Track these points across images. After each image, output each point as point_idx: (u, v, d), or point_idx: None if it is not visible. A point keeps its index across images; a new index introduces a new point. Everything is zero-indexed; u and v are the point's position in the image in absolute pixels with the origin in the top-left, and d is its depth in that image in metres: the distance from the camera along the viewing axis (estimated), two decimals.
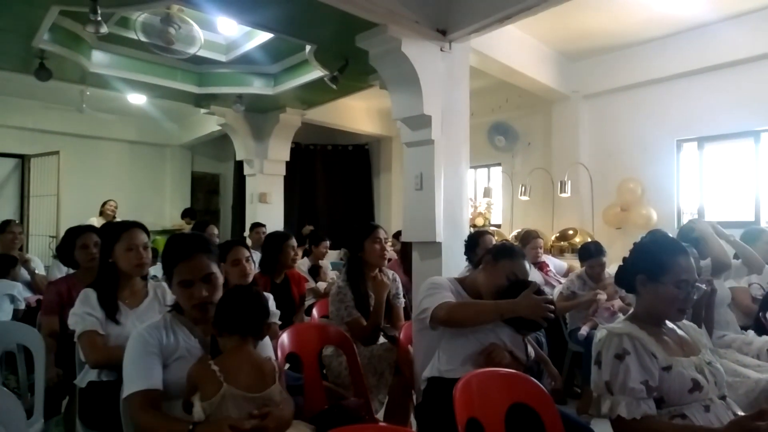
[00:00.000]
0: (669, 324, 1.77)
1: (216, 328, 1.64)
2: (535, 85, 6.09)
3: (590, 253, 4.04)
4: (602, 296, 3.84)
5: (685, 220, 5.57)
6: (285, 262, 3.47)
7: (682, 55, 5.49)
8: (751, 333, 3.38)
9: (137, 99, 6.74)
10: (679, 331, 1.78)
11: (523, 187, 6.62)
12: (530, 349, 2.21)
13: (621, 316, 2.07)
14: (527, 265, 2.27)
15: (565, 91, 6.36)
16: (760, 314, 2.95)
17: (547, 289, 4.49)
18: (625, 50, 5.90)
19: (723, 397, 1.70)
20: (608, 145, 6.31)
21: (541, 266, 4.73)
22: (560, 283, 4.42)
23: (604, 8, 5.01)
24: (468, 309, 2.09)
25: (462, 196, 4.30)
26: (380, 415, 2.65)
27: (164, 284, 2.25)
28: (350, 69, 4.73)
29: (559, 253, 5.83)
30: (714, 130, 5.56)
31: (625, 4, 4.93)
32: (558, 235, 6.05)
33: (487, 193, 7.11)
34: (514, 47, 5.52)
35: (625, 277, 1.83)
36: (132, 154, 9.32)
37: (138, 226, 2.33)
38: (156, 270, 3.85)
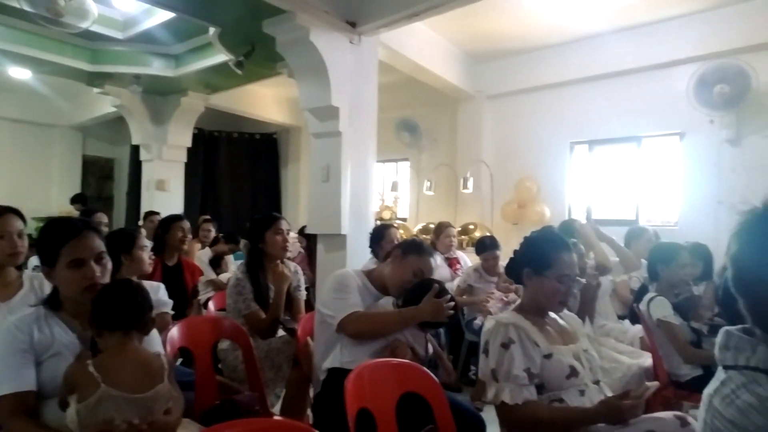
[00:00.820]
0: (551, 314, 1.88)
1: (94, 327, 1.52)
2: (443, 84, 6.25)
3: (485, 246, 4.21)
4: (493, 300, 4.01)
5: (575, 217, 5.94)
6: (173, 243, 3.39)
7: (577, 63, 5.84)
8: (626, 322, 3.69)
9: (21, 74, 6.18)
10: (560, 321, 1.89)
11: (429, 183, 6.78)
12: (429, 346, 2.26)
13: None
14: (434, 262, 2.33)
15: (471, 90, 6.58)
16: (635, 305, 3.21)
17: (451, 285, 4.63)
18: (527, 54, 6.19)
19: (597, 382, 1.83)
20: (509, 145, 6.60)
21: (452, 263, 4.85)
22: None
23: (508, 13, 5.22)
24: (374, 322, 2.11)
25: (368, 190, 4.32)
26: (277, 409, 2.61)
27: (42, 275, 2.07)
28: (257, 55, 4.61)
29: (461, 247, 6.03)
30: (603, 134, 5.97)
31: (528, 10, 5.16)
32: (460, 229, 6.24)
33: (394, 187, 7.21)
34: (424, 45, 5.63)
35: (514, 269, 1.92)
36: (14, 133, 8.54)
37: (11, 211, 2.13)
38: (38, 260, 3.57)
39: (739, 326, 0.93)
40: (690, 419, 1.59)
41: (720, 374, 0.91)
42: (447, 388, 3.68)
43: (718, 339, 0.95)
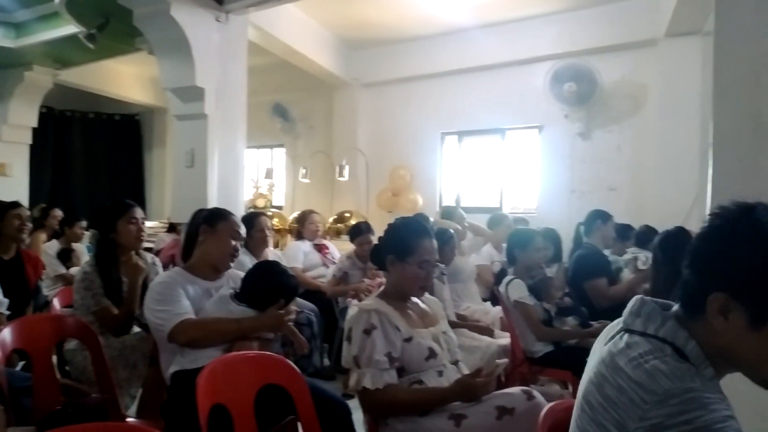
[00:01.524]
0: (414, 298, 1.92)
1: None
2: (318, 69, 6.18)
3: (360, 231, 4.23)
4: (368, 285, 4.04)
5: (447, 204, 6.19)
6: (9, 233, 3.03)
7: (447, 55, 6.05)
8: (488, 304, 3.90)
9: None
10: (422, 305, 1.93)
11: (305, 170, 6.69)
12: None
13: None
14: (238, 220, 2.31)
15: (346, 77, 6.57)
16: (495, 287, 3.40)
17: (323, 270, 4.61)
18: (401, 44, 6.30)
19: (455, 362, 1.90)
20: (383, 133, 6.70)
21: (320, 248, 4.82)
22: (335, 264, 4.56)
23: (380, 1, 5.26)
24: (209, 331, 1.96)
25: (238, 176, 4.15)
26: (133, 411, 2.43)
27: None
28: (112, 28, 4.22)
29: (336, 235, 6.04)
30: (471, 125, 6.25)
31: (400, 0, 5.24)
32: (336, 217, 6.25)
33: (268, 174, 7.03)
34: (297, 28, 5.51)
35: (378, 256, 1.93)
36: None
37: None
38: None
39: (654, 299, 0.97)
40: (535, 393, 1.69)
41: (623, 337, 0.94)
42: (319, 376, 3.69)
43: (630, 304, 0.99)
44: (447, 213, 4.40)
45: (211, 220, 2.22)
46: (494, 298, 3.72)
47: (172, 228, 5.29)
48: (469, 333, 3.34)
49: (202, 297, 2.14)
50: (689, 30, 4.52)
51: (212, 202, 3.65)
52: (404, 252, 1.83)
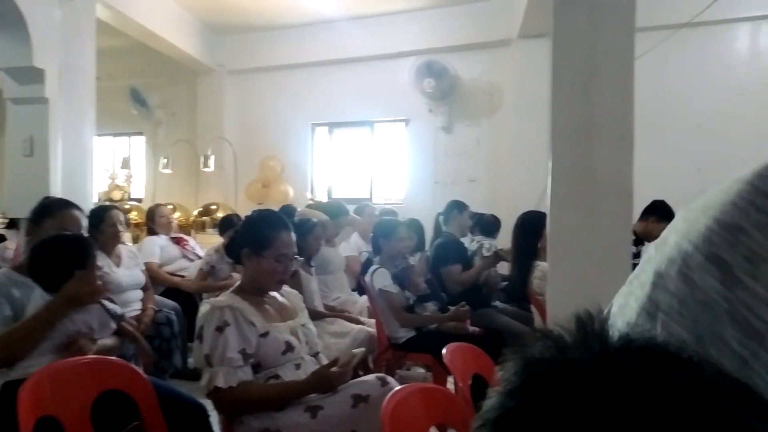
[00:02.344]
0: (272, 292, 1.89)
1: None
2: (179, 54, 5.85)
3: (231, 223, 4.08)
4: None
5: (317, 197, 6.19)
6: None
7: (317, 46, 6.02)
8: (356, 294, 3.97)
9: None
10: (280, 299, 1.91)
11: (166, 160, 6.32)
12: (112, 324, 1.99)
13: None
14: (79, 213, 2.18)
15: (210, 64, 6.30)
16: (361, 277, 3.47)
17: (184, 262, 4.40)
18: (269, 32, 6.16)
19: (316, 354, 1.91)
20: (252, 123, 6.52)
21: (178, 241, 4.60)
22: (199, 257, 4.37)
23: None
24: (18, 340, 1.72)
25: (86, 166, 3.83)
26: None
27: None
28: None
29: (202, 228, 5.79)
30: (341, 117, 6.29)
31: None
32: (201, 210, 5.99)
33: (125, 164, 6.55)
34: (154, 9, 5.17)
35: (233, 249, 1.88)
36: None
37: None
38: None
39: None
40: (389, 379, 1.75)
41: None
42: (182, 376, 3.51)
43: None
44: (338, 209, 4.41)
45: (37, 217, 2.01)
46: (362, 288, 3.79)
47: (11, 224, 4.75)
48: (340, 321, 3.38)
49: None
50: (539, 32, 4.90)
51: (55, 194, 3.33)
52: (260, 245, 1.79)
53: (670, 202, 4.54)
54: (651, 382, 0.37)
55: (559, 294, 2.56)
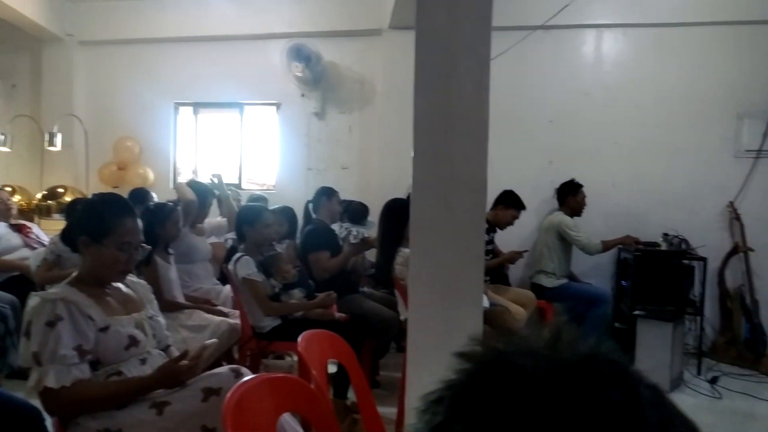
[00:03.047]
0: (115, 283, 1.76)
1: None
2: (19, 19, 5.22)
3: None
4: None
5: (181, 180, 5.86)
6: None
7: (181, 20, 5.66)
8: (219, 285, 3.84)
9: None
10: (125, 290, 1.78)
11: (3, 136, 5.62)
12: None
13: None
14: None
15: (58, 32, 5.69)
16: (224, 266, 3.35)
17: (27, 251, 3.97)
18: (126, 1, 5.68)
19: (166, 348, 1.80)
20: (106, 100, 5.99)
21: (20, 228, 4.15)
22: (44, 246, 3.96)
23: None
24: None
25: None
26: None
27: None
28: None
29: (47, 213, 5.25)
30: (207, 97, 5.98)
31: None
32: (46, 193, 5.42)
33: None
34: None
35: (70, 237, 1.71)
36: None
37: None
38: None
39: None
40: (243, 370, 1.70)
41: None
42: (19, 376, 3.17)
43: None
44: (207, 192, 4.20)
45: None
46: (224, 277, 3.67)
47: None
48: (202, 314, 3.25)
49: None
50: (408, 24, 5.00)
51: None
52: (100, 232, 1.65)
53: (524, 191, 4.90)
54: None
55: (420, 278, 2.65)
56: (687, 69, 4.80)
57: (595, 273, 4.82)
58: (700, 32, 4.77)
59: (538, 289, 4.57)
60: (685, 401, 3.78)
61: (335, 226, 4.69)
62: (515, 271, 4.86)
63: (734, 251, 4.63)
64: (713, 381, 4.06)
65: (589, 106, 4.94)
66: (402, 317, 3.25)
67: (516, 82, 5.00)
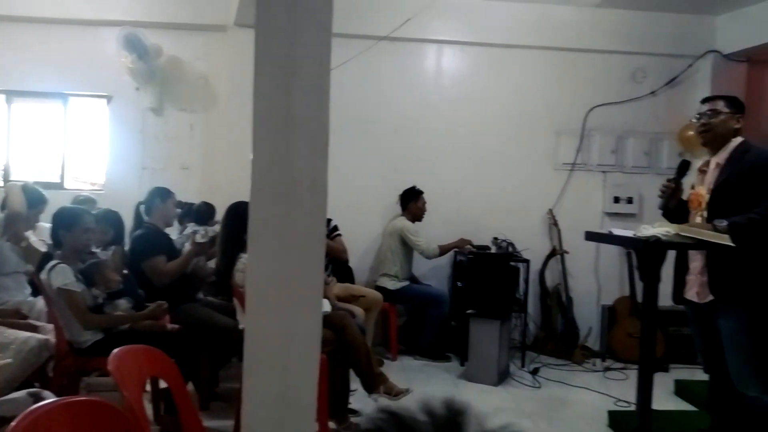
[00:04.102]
0: None
1: None
2: None
3: None
4: None
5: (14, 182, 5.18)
6: None
7: None
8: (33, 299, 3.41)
9: None
10: None
11: None
12: None
13: None
14: None
15: None
16: (35, 275, 2.98)
17: None
18: None
19: None
20: None
21: None
22: None
23: None
24: None
25: None
26: None
27: None
28: None
29: None
30: (24, 85, 5.31)
31: None
32: None
33: None
34: None
35: None
36: None
37: None
38: None
39: None
40: (46, 394, 1.52)
41: None
42: None
43: None
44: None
45: None
46: (36, 289, 3.27)
47: None
48: (7, 330, 2.85)
49: None
50: (252, 23, 4.87)
51: None
52: None
53: (371, 196, 5.03)
54: None
55: (258, 284, 2.57)
56: (515, 87, 5.27)
57: (434, 275, 5.08)
58: (527, 55, 5.25)
59: (381, 291, 4.70)
60: (511, 392, 4.13)
61: (175, 228, 4.41)
62: (360, 275, 4.94)
63: (552, 254, 5.15)
64: (534, 372, 4.48)
65: (431, 117, 5.20)
66: (241, 326, 3.13)
67: (363, 90, 5.11)
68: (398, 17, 4.75)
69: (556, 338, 5.02)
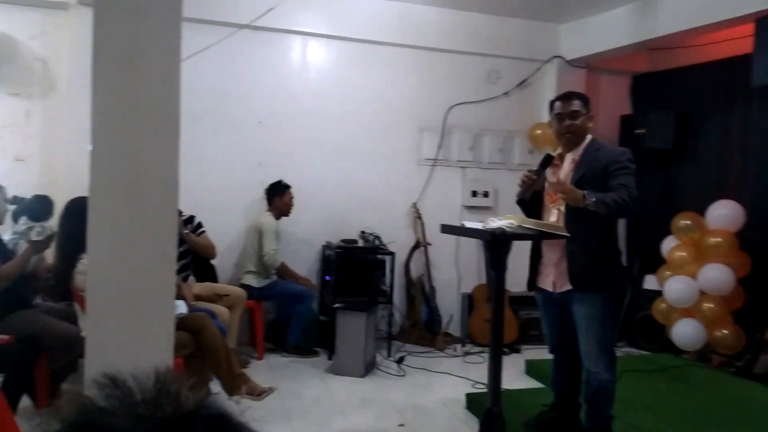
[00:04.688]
0: None
1: None
2: None
3: None
4: None
5: None
6: None
7: None
8: None
9: None
10: None
11: None
12: None
13: None
14: None
15: None
16: None
17: None
18: None
19: None
20: None
21: None
22: None
23: None
24: None
25: None
26: None
27: None
28: None
29: None
30: None
31: None
32: None
33: None
34: None
35: None
36: None
37: None
38: None
39: None
40: None
41: None
42: None
43: None
44: None
45: None
46: None
47: None
48: None
49: None
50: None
51: None
52: None
53: (235, 191, 4.85)
54: None
55: (100, 287, 2.36)
56: (381, 84, 5.35)
57: (302, 270, 5.02)
58: (391, 52, 5.35)
59: (246, 289, 4.56)
60: (376, 382, 4.21)
61: (8, 226, 3.93)
62: (223, 272, 4.76)
63: (417, 246, 5.33)
64: (400, 361, 4.61)
65: (297, 109, 5.12)
66: (83, 333, 2.87)
67: (226, 80, 4.90)
68: (261, 5, 4.61)
69: (420, 327, 5.21)
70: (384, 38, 5.28)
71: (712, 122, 5.26)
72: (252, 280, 4.59)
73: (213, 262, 4.60)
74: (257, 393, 3.14)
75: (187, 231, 4.12)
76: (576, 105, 2.85)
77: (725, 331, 4.53)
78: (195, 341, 3.01)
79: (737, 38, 4.58)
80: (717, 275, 4.48)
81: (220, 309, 3.79)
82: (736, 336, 4.52)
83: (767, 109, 4.71)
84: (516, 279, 5.11)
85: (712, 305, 4.53)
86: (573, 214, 2.71)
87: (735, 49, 4.67)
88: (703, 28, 4.52)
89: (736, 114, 5.03)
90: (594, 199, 2.51)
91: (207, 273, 4.52)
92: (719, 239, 4.57)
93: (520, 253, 4.52)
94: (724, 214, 4.63)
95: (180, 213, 4.31)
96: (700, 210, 4.80)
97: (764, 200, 4.67)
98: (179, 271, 4.14)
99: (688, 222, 4.79)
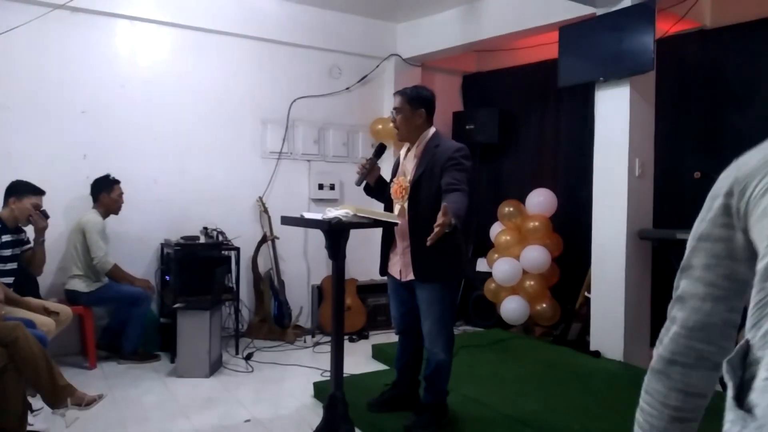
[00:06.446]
0: None
1: None
2: None
3: None
4: None
5: None
6: None
7: None
8: None
9: None
10: None
11: None
12: None
13: None
14: None
15: None
16: None
17: None
18: None
19: None
20: None
21: None
22: None
23: None
24: None
25: None
26: None
27: None
28: None
29: None
30: None
31: None
32: None
33: None
34: None
35: None
36: None
37: None
38: None
39: None
40: None
41: None
42: None
43: None
44: None
45: None
46: None
47: None
48: None
49: None
50: None
51: None
52: None
53: (56, 187, 4.37)
54: None
55: None
56: (221, 74, 5.17)
57: (139, 271, 4.70)
58: (232, 42, 5.19)
59: (73, 295, 4.17)
60: (223, 381, 4.10)
61: None
62: (45, 278, 4.28)
63: (264, 240, 5.26)
64: (248, 357, 4.53)
65: (127, 99, 4.77)
66: None
67: (42, 65, 4.42)
68: None
69: (269, 321, 5.16)
70: (220, 27, 5.10)
71: (530, 119, 5.86)
72: (79, 285, 4.20)
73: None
74: (85, 403, 2.89)
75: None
76: (396, 102, 3.03)
77: (544, 305, 5.11)
78: (8, 354, 2.69)
79: (548, 43, 5.14)
80: (536, 256, 5.02)
81: (42, 319, 3.42)
82: (553, 308, 5.12)
83: (572, 109, 5.36)
84: (363, 268, 5.38)
85: (533, 282, 5.07)
86: (414, 209, 2.88)
87: (547, 53, 5.23)
88: (520, 33, 5.02)
89: (549, 112, 5.66)
90: (455, 220, 2.54)
91: (28, 286, 4.01)
92: (537, 223, 5.13)
93: (368, 244, 4.78)
94: (540, 201, 5.20)
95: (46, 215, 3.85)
96: (521, 198, 5.34)
97: (572, 188, 5.32)
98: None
99: (511, 209, 5.31)
